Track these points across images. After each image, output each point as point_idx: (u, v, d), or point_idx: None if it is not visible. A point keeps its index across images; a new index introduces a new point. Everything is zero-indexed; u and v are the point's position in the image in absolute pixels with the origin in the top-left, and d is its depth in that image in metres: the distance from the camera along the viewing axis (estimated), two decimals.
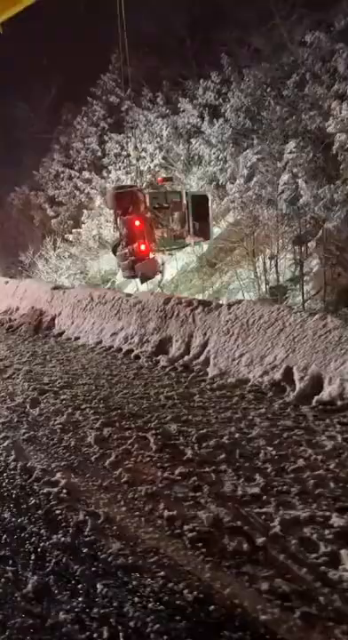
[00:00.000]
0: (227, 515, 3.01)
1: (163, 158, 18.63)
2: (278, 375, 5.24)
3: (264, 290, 15.18)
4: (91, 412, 4.91)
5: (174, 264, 17.82)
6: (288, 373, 5.17)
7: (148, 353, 6.75)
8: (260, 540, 2.76)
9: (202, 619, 2.27)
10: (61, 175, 23.03)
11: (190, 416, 4.64)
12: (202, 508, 3.12)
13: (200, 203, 9.59)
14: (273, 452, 3.78)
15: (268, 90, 15.14)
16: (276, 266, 15.00)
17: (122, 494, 3.36)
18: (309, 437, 4.02)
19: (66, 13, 18.88)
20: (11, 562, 2.76)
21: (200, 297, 14.59)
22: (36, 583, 2.56)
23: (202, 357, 6.13)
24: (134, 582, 2.52)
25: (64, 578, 2.60)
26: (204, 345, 6.22)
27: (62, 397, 5.43)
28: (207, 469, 3.60)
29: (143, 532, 2.94)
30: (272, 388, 5.15)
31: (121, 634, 2.22)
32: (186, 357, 6.29)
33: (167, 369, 6.21)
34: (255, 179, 14.58)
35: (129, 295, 8.36)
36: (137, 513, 3.14)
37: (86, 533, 2.96)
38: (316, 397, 4.75)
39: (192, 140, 17.32)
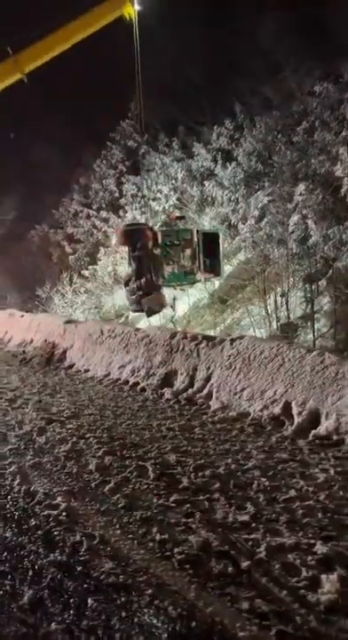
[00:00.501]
0: (216, 540, 3.15)
1: (178, 199, 19.32)
2: (277, 409, 5.39)
3: (275, 327, 15.35)
4: (95, 441, 5.10)
5: (186, 300, 18.15)
6: (286, 408, 5.33)
7: (154, 386, 6.96)
8: (245, 564, 2.89)
9: (184, 633, 2.41)
10: (80, 214, 23.95)
11: (189, 447, 4.80)
12: (193, 532, 3.27)
13: (211, 240, 9.95)
14: (267, 483, 3.92)
15: (279, 136, 15.82)
16: (287, 303, 15.21)
17: (117, 518, 3.52)
18: (303, 470, 4.15)
19: (87, 63, 20.13)
20: (9, 576, 2.93)
21: (211, 332, 14.82)
22: (32, 596, 2.73)
23: (206, 391, 6.32)
24: (123, 599, 2.67)
25: (58, 592, 2.76)
26: (208, 379, 6.42)
27: (68, 427, 5.64)
28: (201, 497, 3.75)
29: (135, 553, 3.09)
30: (272, 422, 5.31)
31: None
32: (190, 391, 6.48)
33: (171, 402, 6.41)
34: (266, 219, 15.01)
35: (137, 329, 8.63)
36: (130, 536, 3.29)
37: (81, 553, 3.12)
38: (313, 432, 4.89)
39: (205, 182, 17.99)
